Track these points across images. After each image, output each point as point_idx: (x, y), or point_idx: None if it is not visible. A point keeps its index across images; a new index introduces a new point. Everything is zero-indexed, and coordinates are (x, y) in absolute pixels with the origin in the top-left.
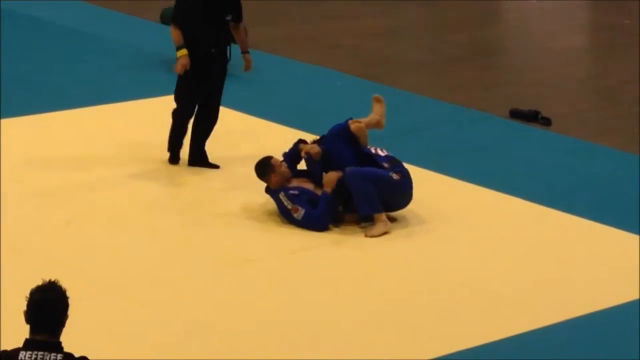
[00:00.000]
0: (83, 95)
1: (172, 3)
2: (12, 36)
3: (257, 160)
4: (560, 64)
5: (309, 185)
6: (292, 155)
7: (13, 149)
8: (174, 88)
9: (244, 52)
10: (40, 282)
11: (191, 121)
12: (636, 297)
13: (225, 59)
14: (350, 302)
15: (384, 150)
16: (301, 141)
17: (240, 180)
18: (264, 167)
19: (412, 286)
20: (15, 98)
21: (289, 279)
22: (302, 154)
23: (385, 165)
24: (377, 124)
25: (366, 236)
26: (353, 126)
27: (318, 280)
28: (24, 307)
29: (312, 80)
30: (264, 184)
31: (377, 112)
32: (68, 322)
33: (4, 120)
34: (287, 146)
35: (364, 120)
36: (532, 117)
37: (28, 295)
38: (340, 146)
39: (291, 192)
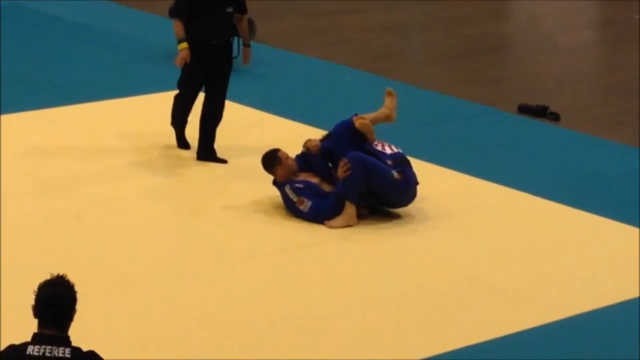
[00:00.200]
0: (90, 90)
1: None
2: (17, 31)
3: (260, 155)
4: (569, 59)
5: (315, 180)
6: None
7: (20, 144)
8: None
9: (245, 45)
10: (48, 277)
11: (194, 108)
12: None
13: (230, 51)
14: (355, 297)
15: (393, 147)
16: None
17: (248, 173)
18: (270, 160)
19: (418, 282)
20: (21, 93)
21: (295, 274)
22: (303, 148)
23: (389, 162)
24: (387, 118)
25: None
26: (357, 123)
27: (324, 275)
28: (32, 302)
29: (320, 74)
30: (270, 179)
31: (387, 106)
32: (76, 317)
33: (10, 115)
34: (294, 140)
35: (370, 115)
36: (540, 112)
37: (36, 290)
38: (344, 144)
39: (296, 185)
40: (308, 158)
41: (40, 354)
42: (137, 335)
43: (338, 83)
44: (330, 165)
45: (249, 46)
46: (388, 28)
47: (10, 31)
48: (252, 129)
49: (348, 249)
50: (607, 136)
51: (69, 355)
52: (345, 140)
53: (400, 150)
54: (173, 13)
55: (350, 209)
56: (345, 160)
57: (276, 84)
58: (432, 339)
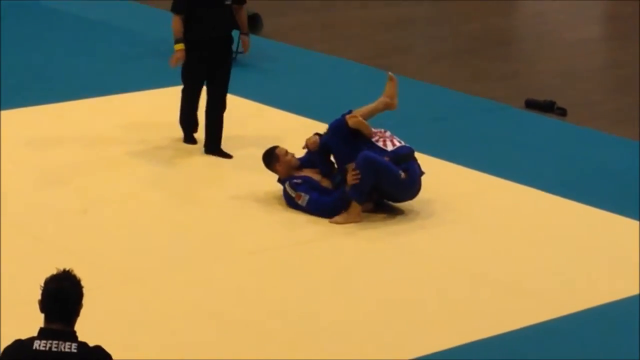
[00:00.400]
0: (95, 86)
1: None
2: (24, 26)
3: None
4: (576, 54)
5: (317, 176)
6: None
7: (27, 138)
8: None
9: (244, 33)
10: (54, 272)
11: (199, 100)
12: None
13: (230, 45)
14: (361, 293)
15: (396, 141)
16: (317, 134)
17: (254, 169)
18: (268, 157)
19: (424, 277)
20: (28, 88)
21: (300, 269)
22: (303, 146)
23: (387, 159)
24: (387, 106)
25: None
26: (351, 122)
27: (329, 271)
28: (39, 296)
29: (325, 69)
30: (276, 174)
31: (386, 93)
32: (82, 312)
33: (17, 110)
34: (299, 135)
35: (367, 108)
36: (547, 107)
37: (43, 285)
38: (337, 142)
39: (294, 180)
40: (310, 155)
41: (47, 348)
42: (143, 330)
43: (344, 78)
44: (332, 160)
45: (248, 34)
46: (394, 23)
47: (16, 26)
48: (257, 123)
49: (353, 245)
50: (614, 131)
51: (75, 350)
52: (340, 138)
53: (404, 143)
54: (173, 8)
55: (356, 207)
56: (354, 165)
57: (282, 79)
58: (436, 335)
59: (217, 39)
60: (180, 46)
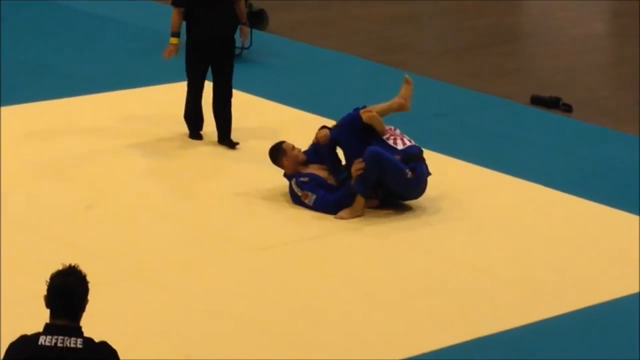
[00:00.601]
0: (100, 81)
1: None
2: (31, 21)
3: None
4: (581, 50)
5: (323, 173)
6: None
7: (31, 134)
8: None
9: (243, 23)
10: (60, 267)
11: (202, 94)
12: None
13: (232, 36)
14: (366, 289)
15: (407, 140)
16: (324, 127)
17: (259, 164)
18: (275, 152)
19: (429, 273)
20: (31, 84)
21: (305, 266)
22: (313, 140)
23: (397, 157)
24: (400, 107)
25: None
26: (365, 116)
27: (334, 268)
28: (44, 292)
29: (331, 65)
30: (281, 170)
31: (401, 95)
32: (88, 307)
33: (20, 106)
34: (304, 131)
35: (381, 106)
36: (553, 103)
37: (48, 280)
38: (350, 137)
39: (301, 179)
40: (318, 148)
41: (52, 344)
42: (148, 325)
43: (349, 74)
44: (341, 154)
45: (247, 24)
46: (400, 19)
47: (23, 22)
48: (262, 119)
49: (359, 241)
50: (620, 128)
51: (80, 346)
52: (352, 133)
53: (414, 143)
54: (173, 2)
55: (360, 202)
56: (361, 159)
57: (287, 75)
58: (440, 332)
59: (217, 38)
60: (175, 40)
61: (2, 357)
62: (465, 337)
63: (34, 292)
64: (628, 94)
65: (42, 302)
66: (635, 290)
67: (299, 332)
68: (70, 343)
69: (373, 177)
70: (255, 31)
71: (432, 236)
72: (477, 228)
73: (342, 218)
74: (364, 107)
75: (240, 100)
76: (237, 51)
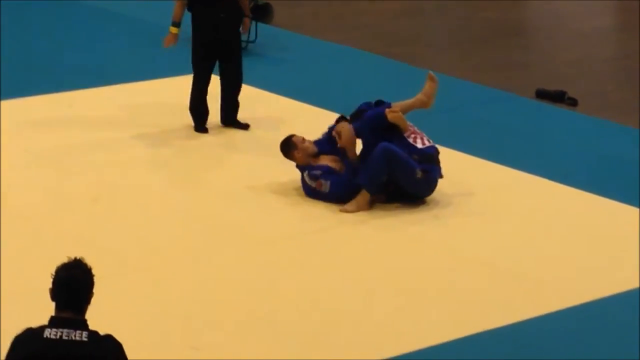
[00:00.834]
0: (104, 74)
1: None
2: (35, 15)
3: (279, 139)
4: (587, 44)
5: (335, 164)
6: (332, 132)
7: (38, 126)
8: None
9: (246, 15)
10: (65, 260)
11: (208, 87)
12: None
13: (237, 24)
14: (371, 282)
15: (426, 140)
16: (342, 118)
17: (265, 157)
18: (286, 145)
19: (434, 266)
20: (41, 76)
21: (311, 258)
22: (333, 132)
23: (415, 157)
24: (422, 104)
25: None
26: (390, 116)
27: (341, 260)
28: (50, 285)
29: (337, 59)
30: (287, 163)
31: (424, 92)
32: (93, 300)
33: (27, 99)
34: (310, 125)
35: (404, 103)
36: (558, 97)
37: (54, 273)
38: (370, 132)
39: (313, 172)
40: (333, 138)
41: (58, 337)
42: (154, 318)
43: (355, 67)
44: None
45: (249, 16)
46: (405, 13)
47: (27, 16)
48: (268, 112)
49: (365, 234)
50: (625, 121)
51: (86, 339)
52: (374, 130)
53: (433, 143)
54: None
55: (366, 196)
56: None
57: (293, 68)
58: (445, 325)
59: (221, 18)
60: (174, 29)
61: (7, 349)
62: (466, 332)
63: (39, 285)
64: (634, 87)
65: (48, 295)
66: (635, 285)
67: (304, 324)
68: (75, 336)
69: (382, 172)
70: (260, 25)
71: (438, 229)
72: (480, 221)
73: (346, 211)
74: (389, 104)
75: (245, 93)
76: (243, 45)
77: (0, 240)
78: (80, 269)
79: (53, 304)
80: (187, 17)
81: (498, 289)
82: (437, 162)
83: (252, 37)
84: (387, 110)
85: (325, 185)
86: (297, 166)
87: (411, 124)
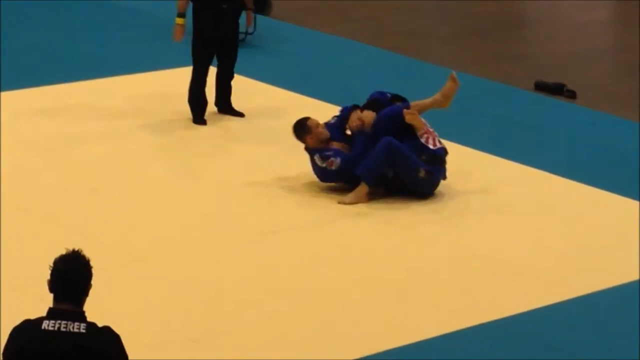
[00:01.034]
0: (104, 66)
1: None
2: (39, 6)
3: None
4: (586, 36)
5: (346, 151)
6: (343, 119)
7: (36, 117)
8: None
9: (249, 8)
10: (64, 252)
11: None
12: None
13: (237, 15)
14: (370, 274)
15: (438, 141)
16: (356, 107)
17: (264, 148)
18: (300, 128)
19: (433, 259)
20: (42, 68)
21: (310, 251)
22: (353, 124)
23: (423, 157)
24: (440, 104)
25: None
26: (408, 117)
27: (339, 253)
28: (48, 277)
29: (335, 51)
30: (287, 152)
31: (443, 92)
32: (91, 292)
33: (27, 90)
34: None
35: (423, 102)
36: (557, 89)
37: (52, 265)
38: (384, 129)
39: (326, 153)
40: (354, 132)
41: (56, 328)
42: (152, 310)
43: (353, 60)
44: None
45: (252, 9)
46: (404, 6)
47: (31, 7)
48: (265, 104)
49: (364, 227)
50: (623, 114)
51: (84, 331)
52: (389, 127)
53: (442, 145)
54: None
55: (363, 188)
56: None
57: (292, 60)
58: (443, 317)
59: (223, 9)
60: (180, 20)
61: (5, 341)
62: (465, 324)
63: (37, 277)
64: (632, 80)
65: (46, 287)
66: (635, 277)
67: (302, 316)
68: (73, 328)
69: (381, 165)
70: (258, 16)
71: (437, 221)
72: (478, 214)
73: (344, 203)
74: (408, 104)
75: (244, 85)
76: (241, 36)
77: (0, 232)
78: (79, 260)
79: (51, 296)
80: (190, 11)
81: (498, 281)
82: (444, 163)
83: (250, 29)
84: (405, 111)
85: (336, 163)
86: (306, 149)
87: (424, 121)
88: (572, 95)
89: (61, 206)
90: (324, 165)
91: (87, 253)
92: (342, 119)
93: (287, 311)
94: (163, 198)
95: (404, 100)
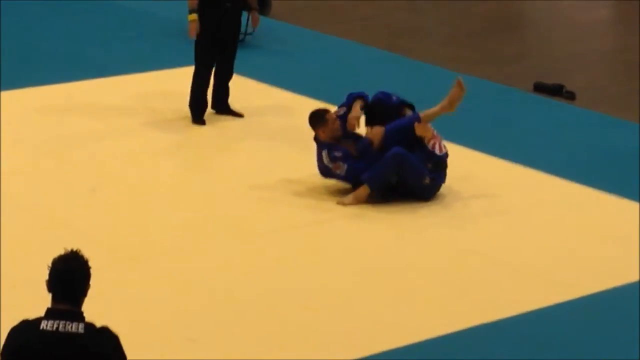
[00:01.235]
0: (107, 66)
1: None
2: (39, 6)
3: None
4: (585, 37)
5: (353, 150)
6: (345, 115)
7: (36, 117)
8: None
9: (254, 8)
10: (62, 252)
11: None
12: None
13: (240, 15)
14: (369, 275)
15: (443, 146)
16: (360, 96)
17: (264, 148)
18: (317, 118)
19: (433, 260)
20: (42, 68)
21: (308, 251)
22: (351, 124)
23: (429, 165)
24: (447, 110)
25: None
26: (419, 130)
27: (337, 253)
28: (46, 276)
29: (334, 51)
30: (287, 152)
31: (449, 98)
32: (90, 292)
33: (27, 89)
34: (307, 117)
35: (430, 112)
36: (556, 90)
37: (50, 265)
38: (394, 140)
39: (334, 153)
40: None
41: (54, 328)
42: (151, 310)
43: (353, 60)
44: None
45: (257, 10)
46: (404, 6)
47: (32, 7)
48: (266, 105)
49: (364, 227)
50: (623, 115)
51: (82, 331)
52: (399, 139)
53: (446, 150)
54: None
55: (365, 190)
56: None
57: (291, 60)
58: (442, 318)
59: (227, 8)
60: (192, 16)
61: (3, 341)
62: (465, 325)
63: (36, 277)
64: (632, 81)
65: (44, 287)
66: (635, 278)
67: (302, 316)
68: (71, 328)
69: (387, 175)
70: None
71: (434, 222)
72: (478, 214)
73: (343, 204)
74: (418, 116)
75: (243, 85)
76: (241, 37)
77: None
78: (77, 260)
79: (49, 296)
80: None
81: (498, 282)
82: (446, 167)
83: (250, 29)
84: (416, 124)
85: (342, 169)
86: (316, 139)
87: (432, 128)
88: (571, 96)
89: (61, 206)
90: (330, 166)
91: (86, 253)
92: (344, 116)
93: (286, 311)
94: (162, 198)
95: (410, 106)
